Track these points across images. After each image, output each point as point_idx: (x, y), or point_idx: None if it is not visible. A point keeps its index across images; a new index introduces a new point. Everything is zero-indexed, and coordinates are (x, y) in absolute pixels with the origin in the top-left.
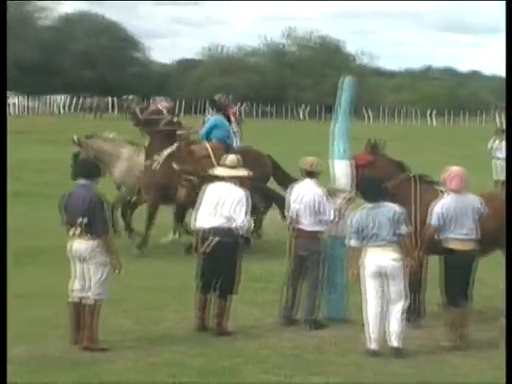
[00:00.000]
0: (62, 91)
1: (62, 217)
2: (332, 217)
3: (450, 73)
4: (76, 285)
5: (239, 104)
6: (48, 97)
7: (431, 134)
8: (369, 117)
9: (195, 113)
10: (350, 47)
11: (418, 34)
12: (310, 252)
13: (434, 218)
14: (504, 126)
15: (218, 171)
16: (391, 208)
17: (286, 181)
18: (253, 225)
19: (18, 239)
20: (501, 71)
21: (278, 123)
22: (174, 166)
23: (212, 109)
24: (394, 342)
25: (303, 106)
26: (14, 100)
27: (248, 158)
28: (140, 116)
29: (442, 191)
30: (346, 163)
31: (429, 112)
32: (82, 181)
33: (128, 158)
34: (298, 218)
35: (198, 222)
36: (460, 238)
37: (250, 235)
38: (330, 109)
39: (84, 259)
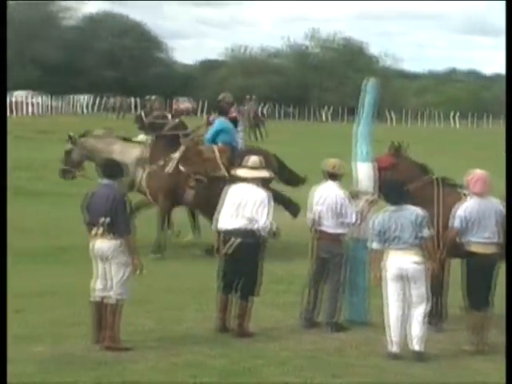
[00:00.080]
0: (85, 91)
1: (85, 216)
2: (354, 219)
3: (473, 75)
4: (98, 284)
5: (262, 105)
6: (71, 96)
7: (454, 136)
8: (392, 119)
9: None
10: (374, 49)
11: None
12: (332, 254)
13: (456, 221)
14: None
15: (241, 172)
16: (414, 211)
17: (293, 180)
18: (275, 226)
19: (41, 238)
20: None
21: (300, 125)
22: (182, 168)
23: (214, 111)
24: (416, 346)
25: (326, 107)
26: (37, 100)
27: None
28: (145, 120)
29: (465, 194)
30: (369, 165)
31: (452, 114)
32: (104, 180)
33: (120, 155)
34: (321, 219)
35: (219, 224)
36: (482, 241)
37: (272, 236)
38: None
39: (106, 259)
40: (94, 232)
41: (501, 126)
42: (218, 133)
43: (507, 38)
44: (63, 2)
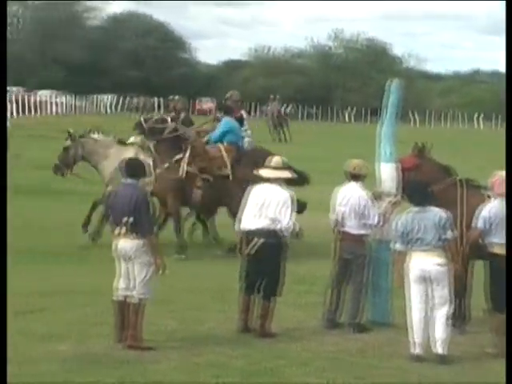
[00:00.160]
0: (109, 91)
1: (107, 216)
2: (376, 221)
3: (497, 76)
4: (121, 283)
5: (285, 105)
6: (95, 96)
7: (478, 138)
8: (415, 120)
9: None
10: (398, 49)
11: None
12: (355, 255)
13: (479, 222)
14: None
15: (263, 173)
16: (437, 213)
17: (300, 180)
18: (298, 226)
19: (63, 237)
20: None
21: (323, 125)
22: (189, 168)
23: (219, 110)
24: (439, 349)
25: (349, 108)
26: (61, 99)
27: (258, 157)
28: (144, 125)
29: (488, 196)
30: (392, 166)
31: (476, 116)
32: (128, 180)
33: (116, 158)
34: (343, 220)
35: (242, 224)
36: (505, 242)
37: (295, 237)
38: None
39: (129, 258)
40: (116, 231)
41: None
42: (224, 133)
43: (507, 38)
44: (88, 2)
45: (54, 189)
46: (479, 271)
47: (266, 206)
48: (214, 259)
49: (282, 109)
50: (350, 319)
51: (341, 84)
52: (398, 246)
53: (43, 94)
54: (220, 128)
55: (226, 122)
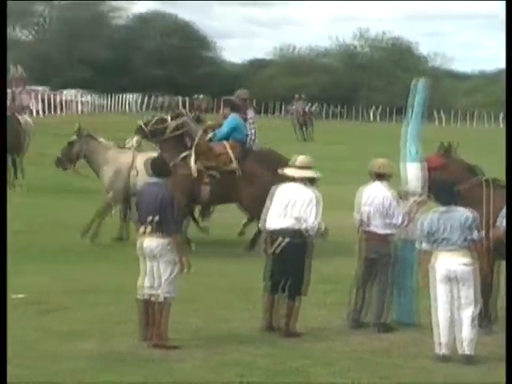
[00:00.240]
0: (134, 90)
1: (133, 214)
2: (400, 221)
3: None
4: (145, 282)
5: (309, 105)
6: (120, 95)
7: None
8: (441, 119)
9: (265, 113)
10: (423, 49)
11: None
12: (380, 255)
13: (504, 221)
14: None
15: (289, 172)
16: (463, 212)
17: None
18: (323, 226)
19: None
20: None
21: (348, 124)
22: (197, 165)
23: (226, 106)
24: (465, 349)
25: (374, 107)
26: (87, 98)
27: (268, 159)
28: (145, 129)
29: None
30: (418, 166)
31: (502, 115)
32: (153, 179)
33: (114, 162)
34: (369, 220)
35: (267, 223)
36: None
37: (320, 236)
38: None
39: (154, 257)
40: (142, 230)
41: None
42: (231, 131)
43: (507, 38)
44: (113, 2)
45: (78, 187)
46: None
47: (291, 206)
48: (238, 258)
49: (307, 108)
50: (375, 319)
51: (366, 83)
52: (424, 246)
53: (69, 94)
54: (227, 125)
55: (233, 118)
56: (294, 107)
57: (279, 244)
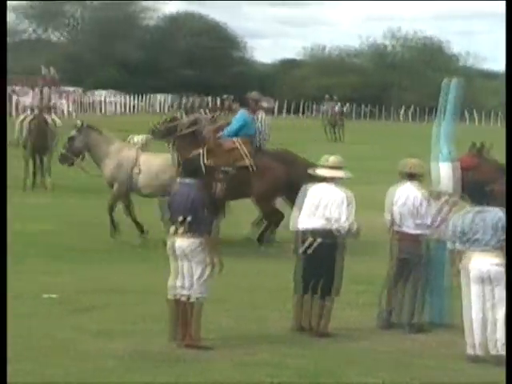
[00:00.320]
0: (164, 90)
1: (166, 214)
2: (430, 221)
3: None
4: (177, 282)
5: (340, 105)
6: (151, 96)
7: None
8: (473, 119)
9: (295, 113)
10: (456, 48)
11: None
12: (412, 255)
13: None
14: None
15: (320, 172)
16: (497, 213)
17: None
18: (356, 226)
19: (121, 235)
20: None
21: (379, 124)
22: (207, 162)
23: (240, 104)
24: (499, 349)
25: (405, 107)
26: (117, 99)
27: (284, 159)
28: (158, 129)
29: None
30: (449, 166)
31: None
32: (186, 180)
33: (116, 156)
34: (400, 220)
35: (298, 223)
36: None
37: (352, 236)
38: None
39: (186, 257)
40: (173, 230)
41: None
42: (241, 127)
43: (507, 38)
44: (144, 2)
45: (106, 188)
46: None
47: (322, 206)
48: (267, 258)
49: (338, 108)
50: (407, 319)
51: (396, 83)
52: (457, 246)
53: (100, 94)
54: (236, 122)
55: (242, 114)
56: (324, 107)
57: (310, 244)
